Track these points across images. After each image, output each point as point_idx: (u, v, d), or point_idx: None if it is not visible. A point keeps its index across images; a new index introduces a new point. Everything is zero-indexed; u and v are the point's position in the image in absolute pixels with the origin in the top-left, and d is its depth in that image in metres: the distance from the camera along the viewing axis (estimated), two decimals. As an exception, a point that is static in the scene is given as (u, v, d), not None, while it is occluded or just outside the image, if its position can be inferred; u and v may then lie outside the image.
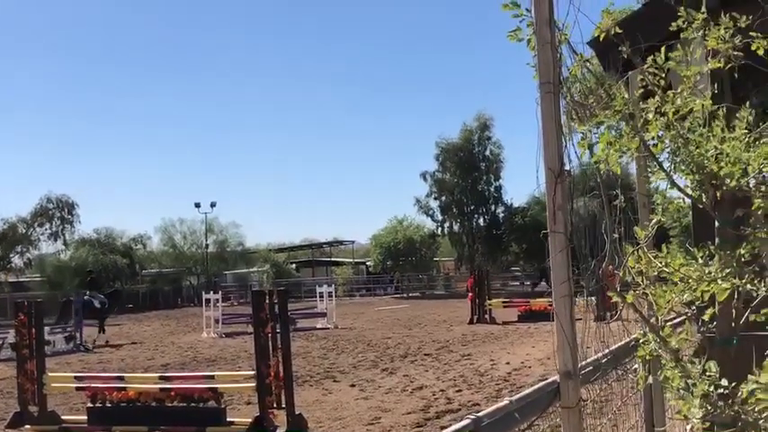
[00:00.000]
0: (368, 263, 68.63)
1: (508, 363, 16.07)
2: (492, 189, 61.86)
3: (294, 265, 71.41)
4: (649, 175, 3.36)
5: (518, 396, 2.58)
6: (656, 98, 3.01)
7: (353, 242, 75.55)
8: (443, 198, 61.69)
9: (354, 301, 49.88)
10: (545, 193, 2.70)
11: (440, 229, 62.90)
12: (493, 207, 62.19)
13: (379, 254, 59.65)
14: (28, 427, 11.15)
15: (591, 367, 3.19)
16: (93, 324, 26.54)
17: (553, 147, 2.62)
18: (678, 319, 3.60)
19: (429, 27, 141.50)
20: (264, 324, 10.55)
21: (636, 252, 3.07)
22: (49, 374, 11.90)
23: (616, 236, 2.92)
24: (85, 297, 27.34)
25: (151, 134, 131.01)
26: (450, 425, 2.29)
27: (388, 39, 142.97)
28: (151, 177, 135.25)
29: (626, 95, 3.00)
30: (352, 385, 14.06)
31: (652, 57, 2.90)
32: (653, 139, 3.10)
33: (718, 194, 3.01)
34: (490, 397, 12.05)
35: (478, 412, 2.26)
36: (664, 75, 3.02)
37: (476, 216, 62.15)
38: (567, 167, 2.74)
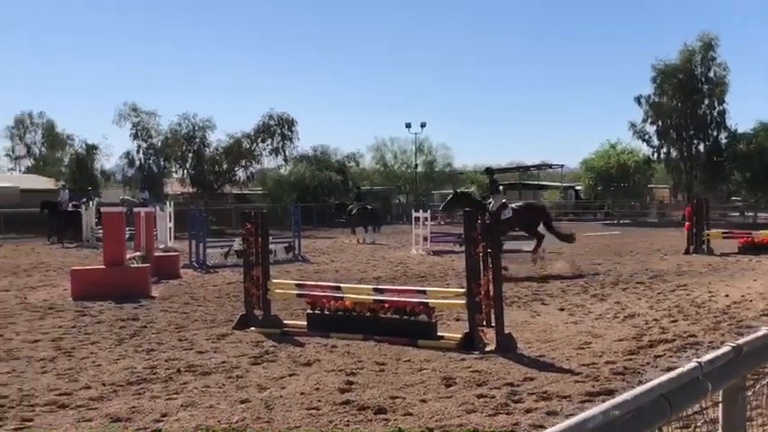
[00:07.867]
0: (577, 187, 67.15)
1: (727, 295, 15.23)
2: (715, 113, 58.06)
3: (501, 188, 71.03)
4: None
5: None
6: None
7: (563, 166, 73.72)
8: (660, 123, 58.69)
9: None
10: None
11: (655, 154, 60.03)
12: (714, 132, 58.41)
13: (590, 179, 58.01)
14: (253, 328, 11.83)
15: None
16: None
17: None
18: None
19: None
20: (476, 243, 10.59)
21: None
22: (273, 281, 12.61)
23: None
24: (370, 207, 37.01)
25: (367, 56, 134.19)
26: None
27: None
28: (365, 97, 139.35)
29: None
30: (561, 309, 13.89)
31: None
32: None
33: None
34: (707, 329, 11.50)
35: (738, 340, 2.13)
36: None
37: (695, 142, 58.75)
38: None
